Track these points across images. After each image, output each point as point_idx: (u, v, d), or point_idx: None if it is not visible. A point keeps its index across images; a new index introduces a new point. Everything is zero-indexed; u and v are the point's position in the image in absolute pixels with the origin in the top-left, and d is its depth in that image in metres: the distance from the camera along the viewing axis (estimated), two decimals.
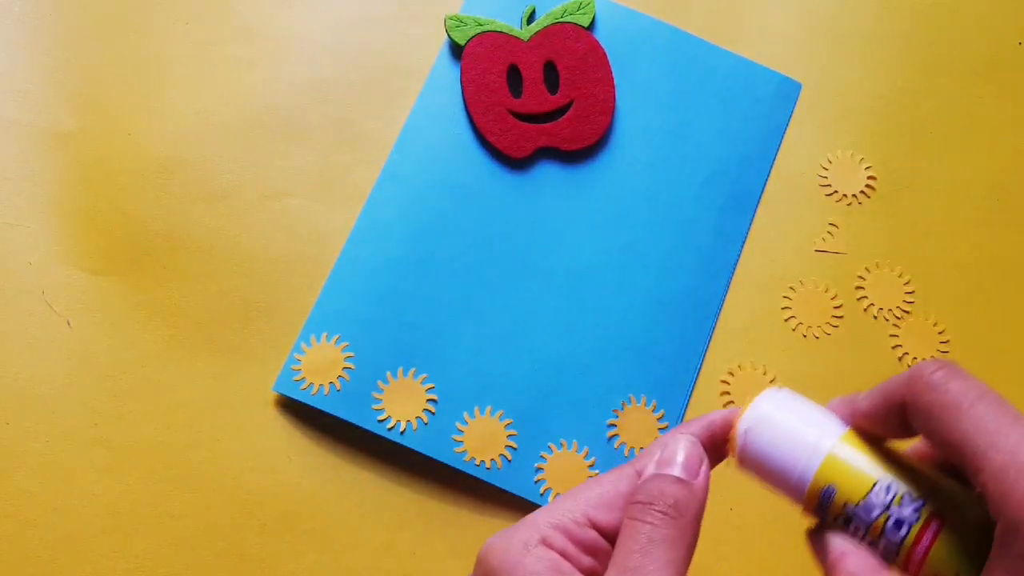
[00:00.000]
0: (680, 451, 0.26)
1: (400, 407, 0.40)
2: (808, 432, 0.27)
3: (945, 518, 0.25)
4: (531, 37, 0.45)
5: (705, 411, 0.41)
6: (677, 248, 0.44)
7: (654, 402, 0.41)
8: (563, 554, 0.25)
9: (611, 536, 0.25)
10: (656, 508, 0.25)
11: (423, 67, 0.45)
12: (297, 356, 0.41)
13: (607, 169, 0.44)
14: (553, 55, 0.45)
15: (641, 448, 0.40)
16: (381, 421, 0.40)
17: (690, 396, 0.42)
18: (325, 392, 0.40)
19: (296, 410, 0.40)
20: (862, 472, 0.26)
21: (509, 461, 0.40)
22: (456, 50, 0.45)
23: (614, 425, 0.41)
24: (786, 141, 0.46)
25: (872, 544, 0.25)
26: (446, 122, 0.44)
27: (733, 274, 0.44)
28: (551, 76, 0.45)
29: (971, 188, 0.46)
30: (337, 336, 0.41)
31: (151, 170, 0.43)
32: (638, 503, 0.25)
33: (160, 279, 0.42)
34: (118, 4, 0.45)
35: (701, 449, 0.27)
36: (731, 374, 0.42)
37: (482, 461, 0.40)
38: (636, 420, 0.41)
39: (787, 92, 0.46)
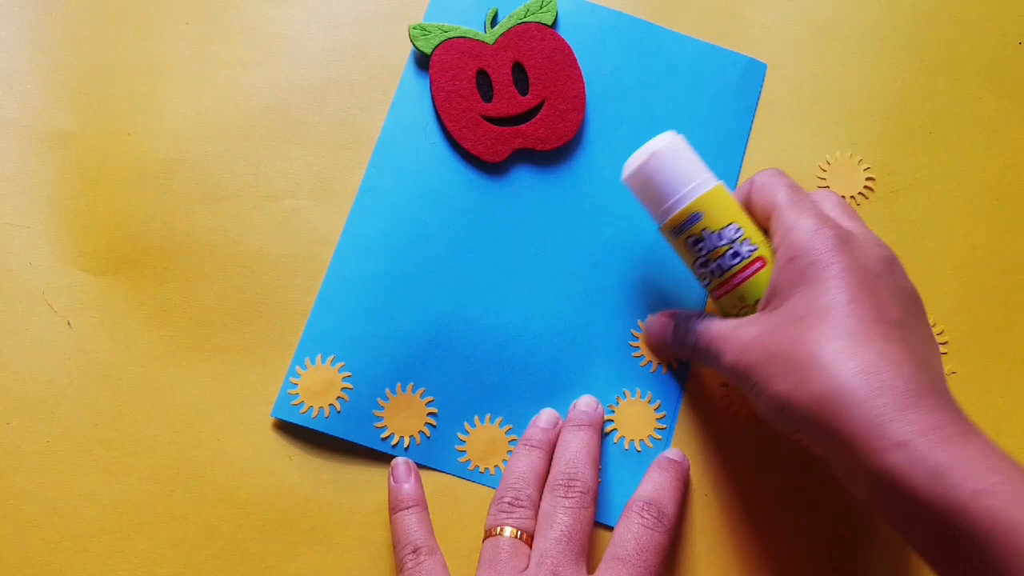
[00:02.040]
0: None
1: (401, 423, 0.40)
2: (697, 171, 0.37)
3: (766, 263, 0.36)
4: (496, 40, 0.45)
5: (701, 401, 0.42)
6: (660, 240, 0.44)
7: (649, 394, 0.42)
8: None
9: None
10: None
11: (398, 83, 0.45)
12: (293, 380, 0.41)
13: (584, 166, 0.45)
14: (520, 56, 0.44)
15: (641, 440, 0.41)
16: (384, 439, 0.40)
17: (686, 384, 0.42)
18: (325, 415, 0.40)
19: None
20: (724, 212, 0.37)
21: None
22: (423, 59, 0.45)
23: (611, 421, 0.41)
24: (785, 142, 0.46)
25: (706, 263, 0.37)
26: (419, 132, 0.44)
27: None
28: (520, 77, 0.45)
29: (971, 188, 0.46)
30: (332, 357, 0.41)
31: (151, 170, 0.43)
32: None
33: (160, 279, 0.42)
34: (118, 4, 0.45)
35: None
36: None
37: (486, 468, 0.40)
38: (633, 414, 0.41)
39: (753, 73, 0.46)
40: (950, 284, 0.44)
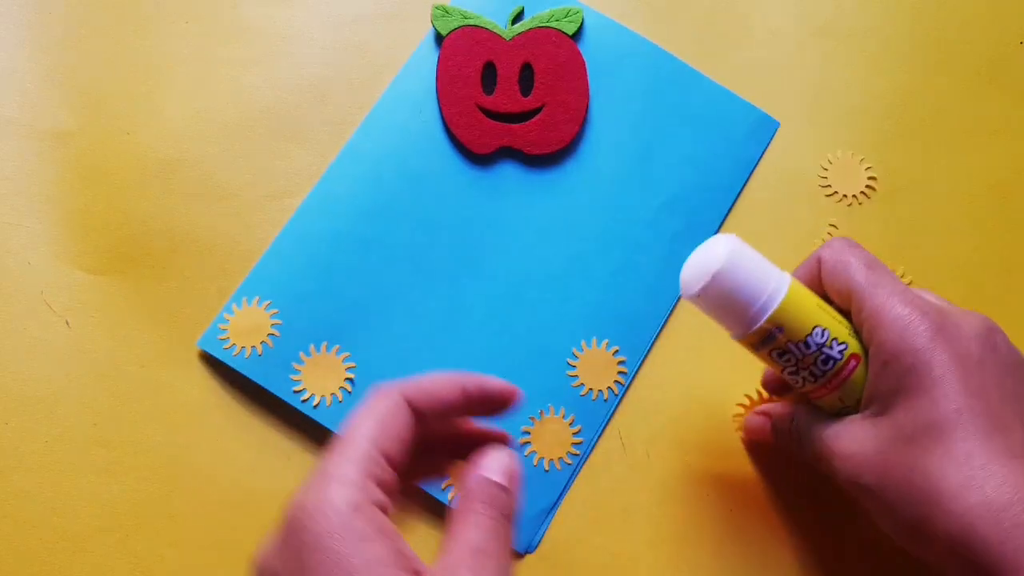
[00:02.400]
0: (503, 462, 0.29)
1: (318, 381, 0.40)
2: (765, 280, 0.33)
3: (860, 359, 0.33)
4: (513, 37, 0.45)
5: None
6: (623, 268, 0.43)
7: (572, 416, 0.41)
8: (381, 507, 0.26)
9: (397, 467, 0.27)
10: (495, 511, 0.27)
11: (409, 56, 0.45)
12: (226, 316, 0.41)
13: (567, 179, 0.44)
14: (532, 58, 0.44)
15: (550, 460, 0.40)
16: (296, 392, 0.40)
17: (611, 415, 0.41)
18: (246, 355, 0.40)
19: (296, 412, 0.40)
20: (803, 318, 0.33)
21: None
22: (439, 40, 0.45)
23: (528, 432, 0.40)
24: (786, 141, 0.46)
25: (797, 372, 0.33)
26: (415, 108, 0.44)
27: (675, 304, 0.43)
28: (526, 78, 0.45)
29: (971, 188, 0.46)
30: (268, 302, 0.41)
31: (151, 170, 0.43)
32: (480, 502, 0.27)
33: (160, 279, 0.42)
34: (118, 4, 0.45)
35: (517, 461, 0.29)
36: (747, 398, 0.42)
37: None
38: (551, 431, 0.40)
39: (763, 129, 0.46)
40: (950, 284, 0.44)
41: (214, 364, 0.41)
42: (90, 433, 0.40)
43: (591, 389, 0.41)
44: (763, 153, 0.45)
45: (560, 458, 0.40)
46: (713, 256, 0.32)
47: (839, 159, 0.45)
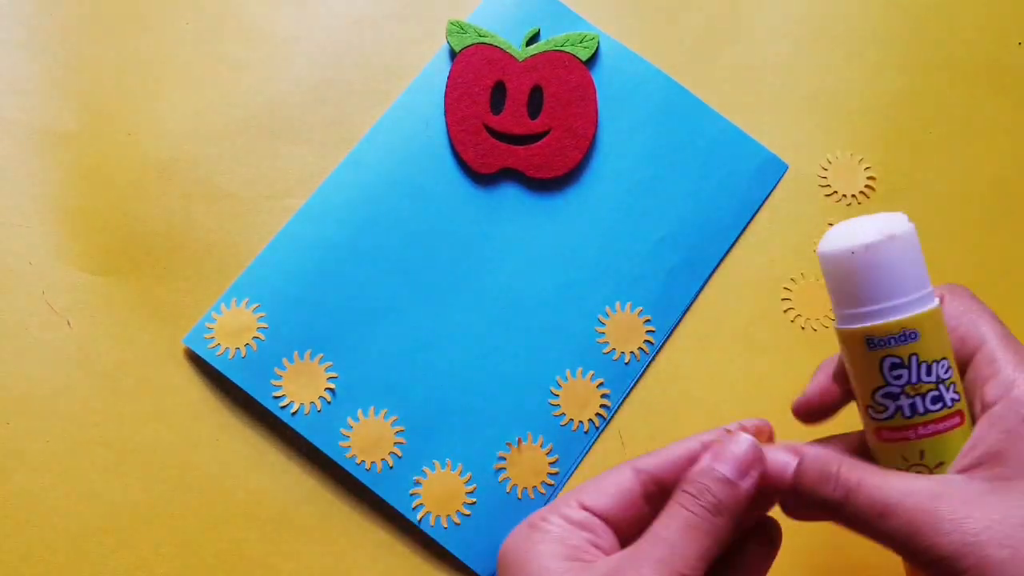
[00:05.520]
0: (738, 450, 0.28)
1: (298, 389, 0.40)
2: (925, 277, 0.29)
3: (964, 419, 0.28)
4: (526, 59, 0.44)
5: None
6: (616, 300, 0.43)
7: (550, 445, 0.41)
8: (560, 527, 0.30)
9: (603, 515, 0.31)
10: (700, 503, 0.28)
11: (422, 70, 0.45)
12: (214, 315, 0.41)
13: (568, 206, 0.44)
14: (542, 80, 0.44)
15: (524, 488, 0.40)
16: (276, 398, 0.40)
17: (589, 448, 0.41)
18: (230, 356, 0.40)
19: None
20: (941, 341, 0.28)
21: (391, 468, 0.40)
22: (453, 55, 0.45)
23: (503, 458, 0.40)
24: (786, 141, 0.46)
25: (895, 396, 0.28)
26: (422, 123, 0.44)
27: (667, 340, 0.43)
28: (535, 101, 0.44)
29: (970, 188, 0.46)
30: (257, 304, 0.41)
31: (151, 170, 0.43)
32: (687, 493, 0.28)
33: (160, 279, 0.42)
34: (118, 4, 0.45)
35: (759, 454, 0.29)
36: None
37: (363, 461, 0.40)
38: (528, 459, 0.40)
39: (771, 170, 0.45)
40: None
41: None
42: (91, 433, 0.40)
43: (572, 419, 0.41)
44: (769, 194, 0.45)
45: (535, 487, 0.40)
46: (894, 222, 0.28)
47: (839, 159, 0.45)
